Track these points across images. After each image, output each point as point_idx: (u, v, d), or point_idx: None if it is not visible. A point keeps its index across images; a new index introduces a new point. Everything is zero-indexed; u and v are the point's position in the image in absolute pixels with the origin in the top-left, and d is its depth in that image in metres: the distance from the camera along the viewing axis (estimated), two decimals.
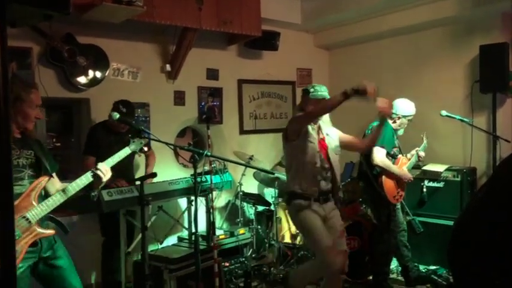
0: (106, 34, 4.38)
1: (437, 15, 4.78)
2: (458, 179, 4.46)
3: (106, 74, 4.36)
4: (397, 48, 5.50)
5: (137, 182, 3.11)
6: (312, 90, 3.32)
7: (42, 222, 2.42)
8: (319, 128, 3.40)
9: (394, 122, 4.08)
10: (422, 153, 4.25)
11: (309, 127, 3.29)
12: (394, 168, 3.98)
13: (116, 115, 2.99)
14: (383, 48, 5.65)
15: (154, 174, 3.33)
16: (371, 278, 4.23)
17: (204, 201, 4.39)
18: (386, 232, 4.04)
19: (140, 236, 3.16)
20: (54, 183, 2.58)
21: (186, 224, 4.36)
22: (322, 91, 3.31)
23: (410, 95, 4.17)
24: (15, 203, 2.29)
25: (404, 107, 4.07)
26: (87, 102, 4.38)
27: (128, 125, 3.82)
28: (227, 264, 4.40)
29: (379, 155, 3.92)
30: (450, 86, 4.98)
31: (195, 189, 3.08)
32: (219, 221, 5.09)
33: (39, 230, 2.37)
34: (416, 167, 4.40)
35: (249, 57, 5.55)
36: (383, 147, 3.93)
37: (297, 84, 6.05)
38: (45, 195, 2.49)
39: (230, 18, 4.69)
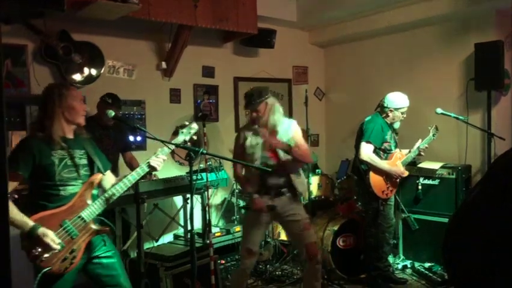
0: (101, 31, 4.35)
1: (432, 13, 4.78)
2: (453, 176, 4.47)
3: (101, 71, 4.34)
4: (392, 45, 5.51)
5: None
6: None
7: (95, 221, 2.47)
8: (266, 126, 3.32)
9: (387, 115, 4.06)
10: (424, 147, 4.13)
11: (249, 137, 3.32)
12: (381, 163, 3.95)
13: (112, 113, 2.97)
14: (378, 45, 5.65)
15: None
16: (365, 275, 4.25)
17: (200, 199, 4.40)
18: (373, 226, 4.03)
19: (135, 234, 3.15)
20: (110, 181, 2.61)
21: (182, 222, 4.36)
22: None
23: (405, 93, 4.16)
24: (70, 203, 2.36)
25: (396, 99, 4.03)
26: (82, 99, 4.36)
27: (123, 122, 3.83)
28: (223, 261, 4.41)
29: (365, 151, 3.91)
30: (445, 83, 5.00)
31: (190, 187, 3.07)
32: (215, 218, 5.08)
33: (95, 227, 2.42)
34: (411, 163, 4.40)
35: (245, 54, 5.54)
36: (369, 142, 3.91)
37: (293, 81, 6.05)
38: (99, 193, 2.54)
39: (226, 15, 4.68)
